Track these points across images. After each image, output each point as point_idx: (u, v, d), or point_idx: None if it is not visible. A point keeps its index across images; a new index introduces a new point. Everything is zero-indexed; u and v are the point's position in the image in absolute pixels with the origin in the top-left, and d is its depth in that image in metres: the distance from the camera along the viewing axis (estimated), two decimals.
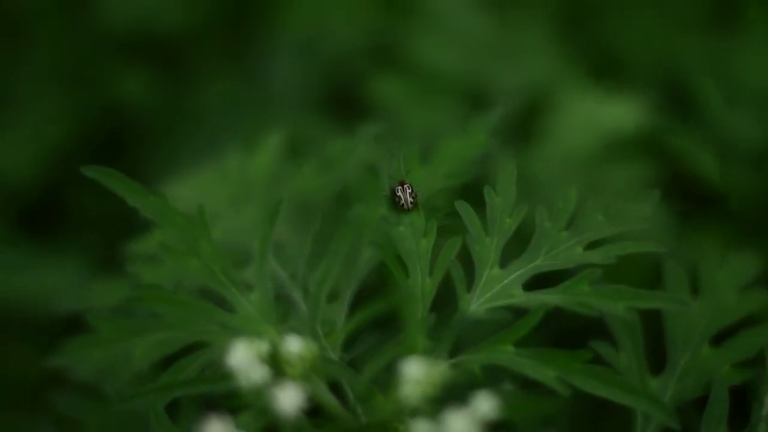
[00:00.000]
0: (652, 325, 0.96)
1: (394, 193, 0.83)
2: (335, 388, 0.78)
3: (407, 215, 0.82)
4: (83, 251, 1.15)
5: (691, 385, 0.93)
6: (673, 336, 0.94)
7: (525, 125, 1.19)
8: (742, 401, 0.94)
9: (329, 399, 0.74)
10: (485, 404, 0.69)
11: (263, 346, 0.71)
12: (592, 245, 0.84)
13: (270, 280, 0.76)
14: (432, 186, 0.88)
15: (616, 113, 1.21)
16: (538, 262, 0.83)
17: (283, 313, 0.76)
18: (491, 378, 0.78)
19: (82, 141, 1.24)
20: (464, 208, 0.82)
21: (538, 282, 0.83)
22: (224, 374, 0.72)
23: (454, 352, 0.78)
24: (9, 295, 1.14)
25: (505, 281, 0.81)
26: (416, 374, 0.69)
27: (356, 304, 0.88)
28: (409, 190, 0.83)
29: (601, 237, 0.85)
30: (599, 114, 1.20)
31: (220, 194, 0.97)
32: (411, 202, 0.83)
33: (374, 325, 0.84)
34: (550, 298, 0.80)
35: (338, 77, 1.25)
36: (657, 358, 0.95)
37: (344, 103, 1.23)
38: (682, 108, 1.26)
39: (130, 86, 1.27)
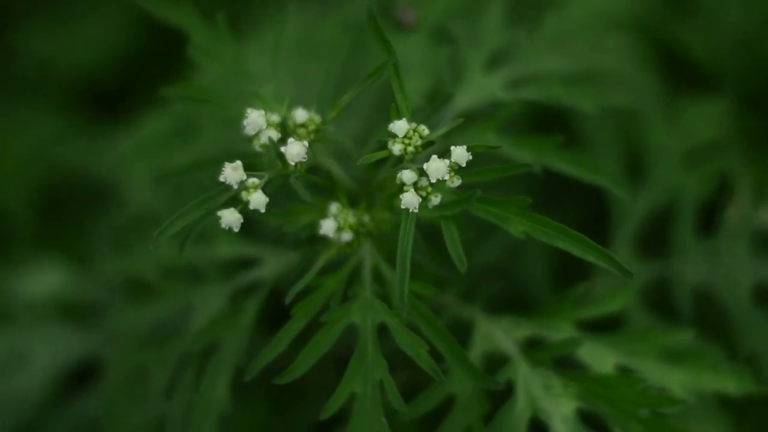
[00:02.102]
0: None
1: (399, 14, 0.92)
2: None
3: (409, 32, 0.91)
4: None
5: (662, 195, 1.00)
6: (646, 152, 1.02)
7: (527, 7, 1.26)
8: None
9: (335, 167, 0.83)
10: (459, 154, 0.77)
11: (274, 117, 0.80)
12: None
13: (282, 75, 0.84)
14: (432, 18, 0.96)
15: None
16: (516, 68, 0.91)
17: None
18: None
19: (148, 42, 1.35)
20: (455, 24, 0.91)
21: None
22: (247, 152, 0.82)
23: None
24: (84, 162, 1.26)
25: (488, 83, 0.90)
26: (402, 129, 0.77)
27: None
28: (412, 11, 0.92)
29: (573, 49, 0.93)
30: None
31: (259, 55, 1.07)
32: (413, 21, 0.92)
33: None
34: (525, 93, 0.88)
35: None
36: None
37: None
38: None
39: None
